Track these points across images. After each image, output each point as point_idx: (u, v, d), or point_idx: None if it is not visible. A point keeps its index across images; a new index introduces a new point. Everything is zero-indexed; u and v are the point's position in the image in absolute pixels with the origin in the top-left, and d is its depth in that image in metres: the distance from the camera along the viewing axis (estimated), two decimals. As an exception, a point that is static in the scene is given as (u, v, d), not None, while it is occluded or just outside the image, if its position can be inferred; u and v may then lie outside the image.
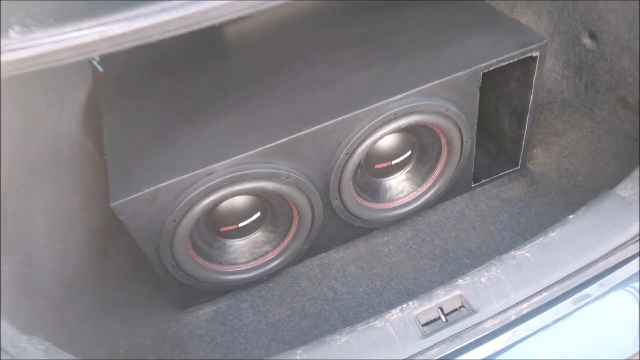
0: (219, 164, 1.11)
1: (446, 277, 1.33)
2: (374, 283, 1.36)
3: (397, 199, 1.41)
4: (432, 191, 1.40)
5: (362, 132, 1.17)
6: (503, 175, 1.55)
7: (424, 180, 1.41)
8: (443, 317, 0.96)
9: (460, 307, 0.97)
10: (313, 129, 1.14)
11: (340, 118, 1.15)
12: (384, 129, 1.19)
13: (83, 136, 1.40)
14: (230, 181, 1.12)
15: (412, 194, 1.41)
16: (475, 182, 1.52)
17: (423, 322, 0.96)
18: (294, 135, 1.13)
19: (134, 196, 1.07)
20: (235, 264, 1.34)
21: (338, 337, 0.99)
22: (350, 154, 1.21)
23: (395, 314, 0.99)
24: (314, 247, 1.40)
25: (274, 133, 1.14)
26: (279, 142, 1.13)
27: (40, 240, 1.30)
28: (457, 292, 0.99)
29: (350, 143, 1.18)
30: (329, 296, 1.35)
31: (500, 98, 1.48)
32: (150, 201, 1.10)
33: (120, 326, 1.36)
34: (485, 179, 1.53)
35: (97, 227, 1.46)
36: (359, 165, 1.27)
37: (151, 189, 1.08)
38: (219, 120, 1.20)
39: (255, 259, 1.35)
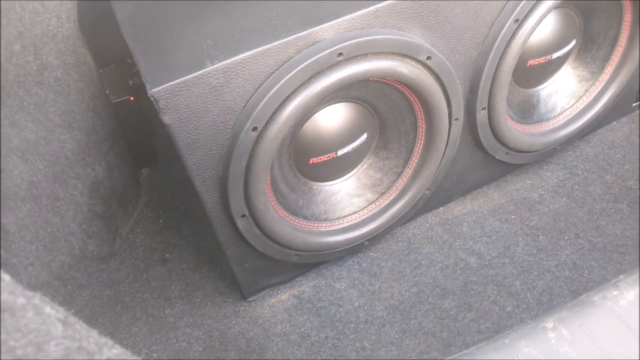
0: (328, 23, 0.66)
1: (648, 222, 0.89)
2: (537, 240, 0.91)
3: (551, 119, 0.97)
4: (599, 104, 0.97)
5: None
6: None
7: (587, 90, 0.98)
8: None
9: None
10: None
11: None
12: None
13: (79, 43, 0.93)
14: (348, 54, 0.67)
15: (570, 110, 0.98)
16: (637, 101, 1.10)
17: None
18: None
19: (186, 78, 0.61)
20: (326, 220, 0.87)
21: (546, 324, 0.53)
22: (521, 23, 0.77)
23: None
24: (433, 196, 0.95)
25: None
26: (422, -9, 0.69)
27: (16, 207, 0.83)
28: None
29: (525, 1, 0.75)
30: (472, 263, 0.89)
31: None
32: (215, 89, 0.63)
33: (146, 330, 0.87)
34: (648, 96, 1.11)
35: (103, 191, 0.97)
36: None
37: (218, 64, 0.62)
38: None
39: (355, 212, 0.89)
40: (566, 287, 0.81)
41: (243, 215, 0.74)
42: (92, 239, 0.97)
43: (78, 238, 0.94)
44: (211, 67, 0.61)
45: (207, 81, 0.62)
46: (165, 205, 1.10)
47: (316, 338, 0.81)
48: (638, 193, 0.94)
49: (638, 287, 0.47)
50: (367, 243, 0.92)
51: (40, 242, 0.87)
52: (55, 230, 0.91)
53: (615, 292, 0.48)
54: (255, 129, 0.66)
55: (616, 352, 0.43)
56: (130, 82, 1.02)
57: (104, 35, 0.94)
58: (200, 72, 0.61)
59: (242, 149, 0.67)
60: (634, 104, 1.09)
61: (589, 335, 0.45)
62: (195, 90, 0.61)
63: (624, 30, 0.91)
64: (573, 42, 0.92)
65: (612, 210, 0.92)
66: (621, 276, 0.49)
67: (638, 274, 0.49)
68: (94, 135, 0.95)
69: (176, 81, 0.60)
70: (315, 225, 0.86)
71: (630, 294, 0.47)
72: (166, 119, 0.62)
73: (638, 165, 1.00)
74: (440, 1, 0.71)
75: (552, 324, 0.46)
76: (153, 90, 0.60)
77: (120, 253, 1.01)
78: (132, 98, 1.03)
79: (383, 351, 0.77)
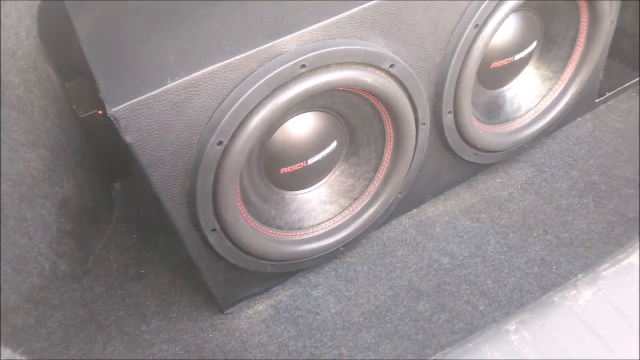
0: (290, 35, 0.66)
1: (612, 216, 0.91)
2: (507, 237, 0.92)
3: (517, 118, 0.99)
4: (562, 102, 1.00)
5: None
6: (628, 87, 1.17)
7: (550, 89, 1.00)
8: None
9: None
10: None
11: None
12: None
13: (41, 59, 0.91)
14: (311, 66, 0.67)
15: (535, 109, 1.00)
16: (599, 97, 1.13)
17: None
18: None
19: (146, 96, 0.60)
20: (300, 228, 0.88)
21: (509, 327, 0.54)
22: (480, 28, 0.78)
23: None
24: (406, 199, 0.96)
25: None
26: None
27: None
28: None
29: (483, 6, 0.76)
30: (445, 263, 0.90)
31: None
32: (178, 105, 0.63)
33: (121, 349, 0.86)
34: (609, 92, 1.14)
35: (72, 208, 0.96)
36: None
37: (179, 81, 0.61)
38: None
39: (329, 218, 0.89)
40: (535, 283, 0.83)
41: (213, 230, 0.74)
42: (63, 258, 0.95)
43: (48, 258, 0.92)
44: (172, 84, 0.61)
45: (169, 98, 0.61)
46: (139, 218, 1.09)
47: (294, 348, 0.81)
48: (603, 187, 0.97)
49: (595, 285, 0.48)
50: (342, 249, 0.93)
51: (8, 264, 0.86)
52: (24, 252, 0.89)
53: (574, 292, 0.49)
54: (220, 143, 0.66)
55: (575, 352, 0.45)
56: (99, 94, 1.01)
57: (70, 49, 0.92)
58: (161, 89, 0.60)
59: (209, 164, 0.67)
60: (596, 100, 1.12)
61: (549, 336, 0.46)
62: (156, 107, 0.61)
63: (582, 30, 0.93)
64: (534, 44, 0.94)
65: (578, 205, 0.95)
66: (579, 275, 0.50)
67: (596, 272, 0.51)
68: (61, 152, 0.93)
69: (136, 99, 0.60)
70: (290, 234, 0.86)
71: (588, 293, 0.48)
72: (128, 138, 0.61)
73: (602, 159, 1.02)
74: (400, 10, 0.72)
75: (514, 327, 0.47)
76: (113, 110, 0.59)
77: (94, 271, 1.00)
78: (100, 112, 1.01)
79: (360, 357, 0.77)
